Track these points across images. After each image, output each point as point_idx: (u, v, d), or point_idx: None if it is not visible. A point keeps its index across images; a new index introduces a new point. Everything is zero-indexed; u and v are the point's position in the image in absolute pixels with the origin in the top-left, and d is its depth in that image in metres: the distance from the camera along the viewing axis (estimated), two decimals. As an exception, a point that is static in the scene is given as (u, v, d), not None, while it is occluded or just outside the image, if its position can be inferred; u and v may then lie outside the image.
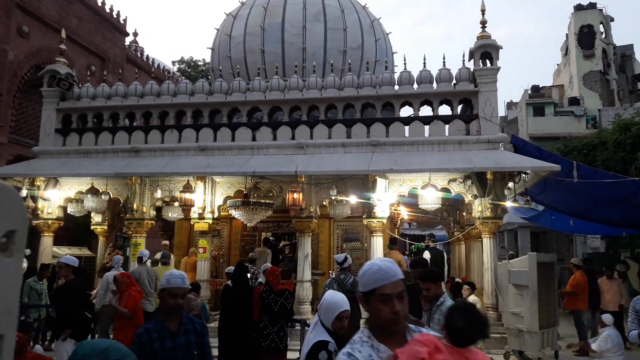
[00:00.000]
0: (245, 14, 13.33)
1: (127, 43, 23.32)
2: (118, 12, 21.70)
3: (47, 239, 10.81)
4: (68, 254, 11.93)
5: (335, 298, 3.09)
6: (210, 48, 14.30)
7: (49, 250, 10.88)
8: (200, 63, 30.55)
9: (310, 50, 12.55)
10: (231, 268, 9.42)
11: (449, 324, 2.05)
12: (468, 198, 9.54)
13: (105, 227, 12.16)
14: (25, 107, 16.78)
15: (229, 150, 10.42)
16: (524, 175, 9.43)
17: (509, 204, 9.66)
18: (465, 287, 9.25)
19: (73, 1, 18.57)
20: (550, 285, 8.51)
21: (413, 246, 14.90)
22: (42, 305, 9.10)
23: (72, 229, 15.47)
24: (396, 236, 11.93)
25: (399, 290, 1.84)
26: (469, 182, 9.45)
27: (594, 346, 6.14)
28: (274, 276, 6.79)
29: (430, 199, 9.26)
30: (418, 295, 4.27)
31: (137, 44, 25.82)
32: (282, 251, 12.70)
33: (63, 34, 12.09)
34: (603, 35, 32.62)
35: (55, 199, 10.90)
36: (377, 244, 9.58)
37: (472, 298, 8.92)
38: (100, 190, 10.73)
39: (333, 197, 9.79)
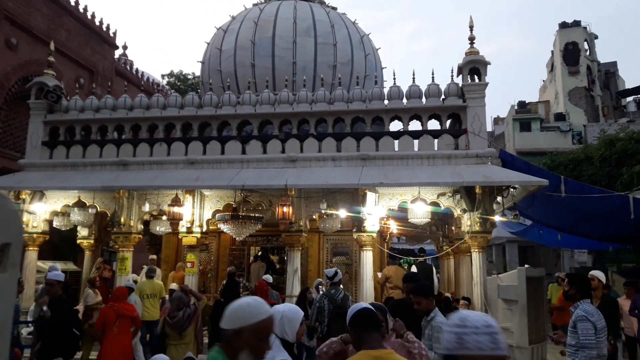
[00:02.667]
0: (235, 28, 13.39)
1: (116, 56, 23.25)
2: (108, 25, 21.67)
3: (31, 253, 10.58)
4: (53, 268, 11.74)
5: (292, 308, 3.13)
6: (201, 62, 14.31)
7: (34, 264, 10.66)
8: (190, 77, 30.60)
9: (300, 64, 12.61)
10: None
11: None
12: (457, 212, 9.57)
13: (92, 241, 11.97)
14: (11, 120, 16.59)
15: (218, 164, 10.36)
16: (512, 189, 9.50)
17: (497, 218, 9.69)
18: (462, 301, 9.23)
19: (62, 14, 18.51)
20: (539, 300, 8.53)
21: (401, 260, 14.86)
22: (23, 322, 8.87)
23: (58, 242, 15.21)
24: (391, 253, 11.89)
25: None
26: (458, 197, 9.48)
27: None
28: (261, 291, 6.73)
29: (420, 213, 9.27)
30: (412, 309, 4.26)
31: (127, 57, 25.77)
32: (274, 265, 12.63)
33: (52, 46, 12.00)
34: (587, 53, 33.29)
35: (40, 212, 10.72)
36: (367, 258, 9.54)
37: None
38: (87, 204, 10.58)
39: (323, 211, 9.77)
